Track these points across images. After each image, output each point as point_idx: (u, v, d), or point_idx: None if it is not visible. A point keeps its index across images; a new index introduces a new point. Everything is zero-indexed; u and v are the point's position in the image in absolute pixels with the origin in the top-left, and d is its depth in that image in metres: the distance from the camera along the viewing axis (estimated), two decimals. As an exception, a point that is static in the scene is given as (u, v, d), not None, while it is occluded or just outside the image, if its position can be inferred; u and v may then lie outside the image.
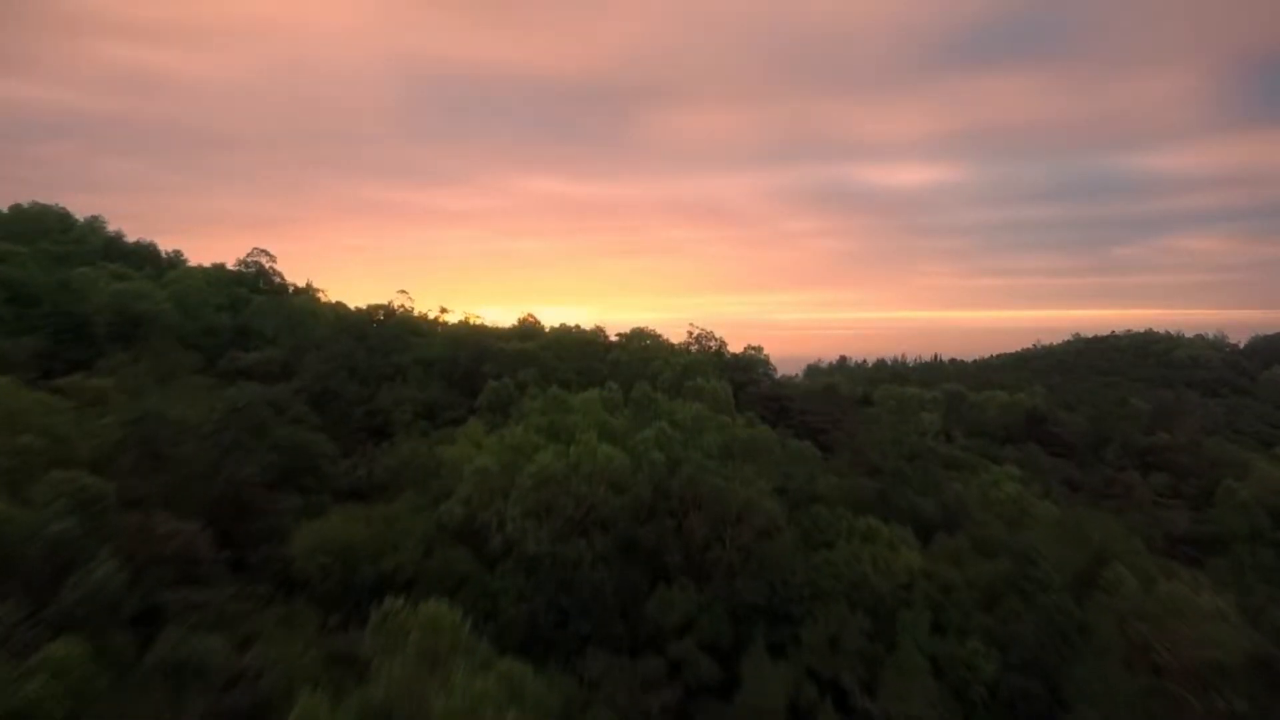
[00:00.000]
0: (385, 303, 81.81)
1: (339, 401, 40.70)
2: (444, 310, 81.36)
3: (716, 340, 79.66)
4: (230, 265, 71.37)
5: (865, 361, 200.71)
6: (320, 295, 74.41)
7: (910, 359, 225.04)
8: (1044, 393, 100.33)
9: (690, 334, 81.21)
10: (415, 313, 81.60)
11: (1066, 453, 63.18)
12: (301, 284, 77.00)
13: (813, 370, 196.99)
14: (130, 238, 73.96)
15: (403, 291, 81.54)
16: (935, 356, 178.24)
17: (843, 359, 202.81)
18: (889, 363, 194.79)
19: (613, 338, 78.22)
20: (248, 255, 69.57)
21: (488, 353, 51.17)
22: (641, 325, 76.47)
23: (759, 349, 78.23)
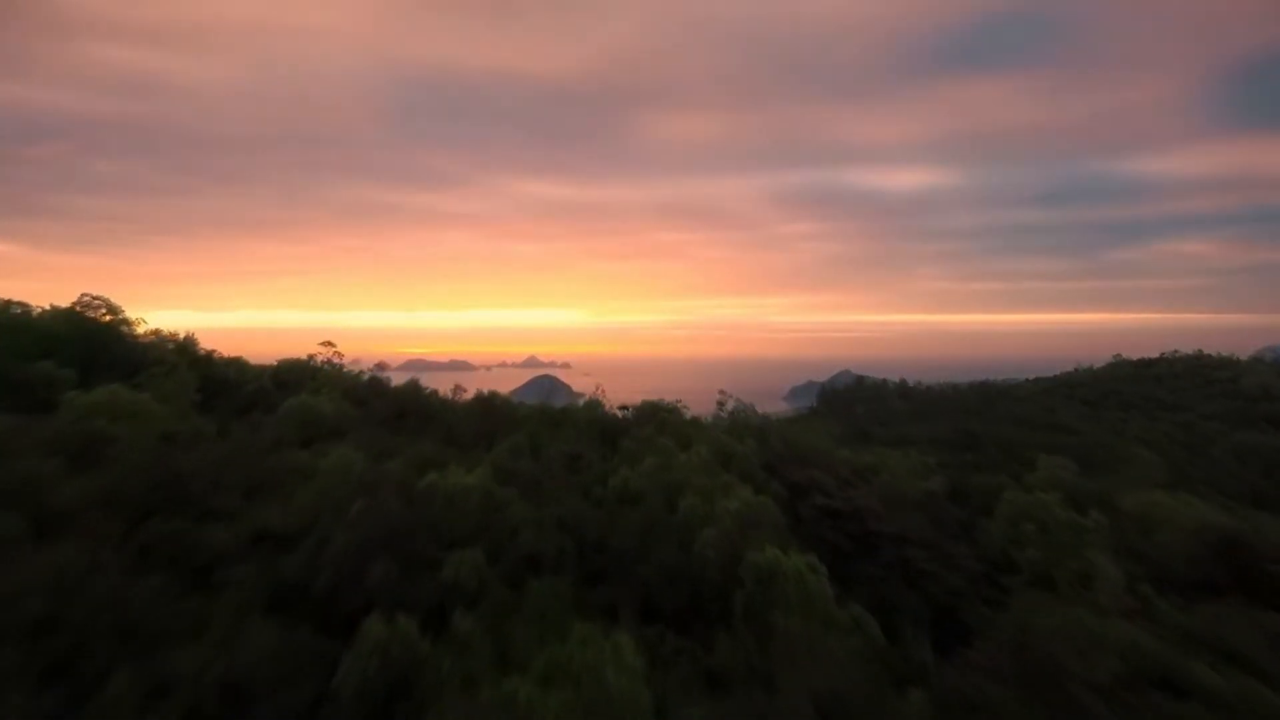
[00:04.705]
0: (307, 357, 57.83)
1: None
2: (381, 366, 57.24)
3: (755, 413, 55.79)
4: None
5: (886, 382, 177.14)
6: (198, 359, 49.80)
7: (937, 378, 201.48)
8: (1158, 460, 76.64)
9: (721, 404, 57.44)
10: (344, 368, 57.70)
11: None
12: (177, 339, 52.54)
13: (829, 396, 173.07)
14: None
15: (328, 344, 57.51)
16: (984, 380, 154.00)
17: (860, 380, 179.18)
18: (911, 384, 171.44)
19: (616, 410, 54.27)
20: (75, 304, 45.09)
21: (401, 511, 26.84)
22: (654, 398, 52.45)
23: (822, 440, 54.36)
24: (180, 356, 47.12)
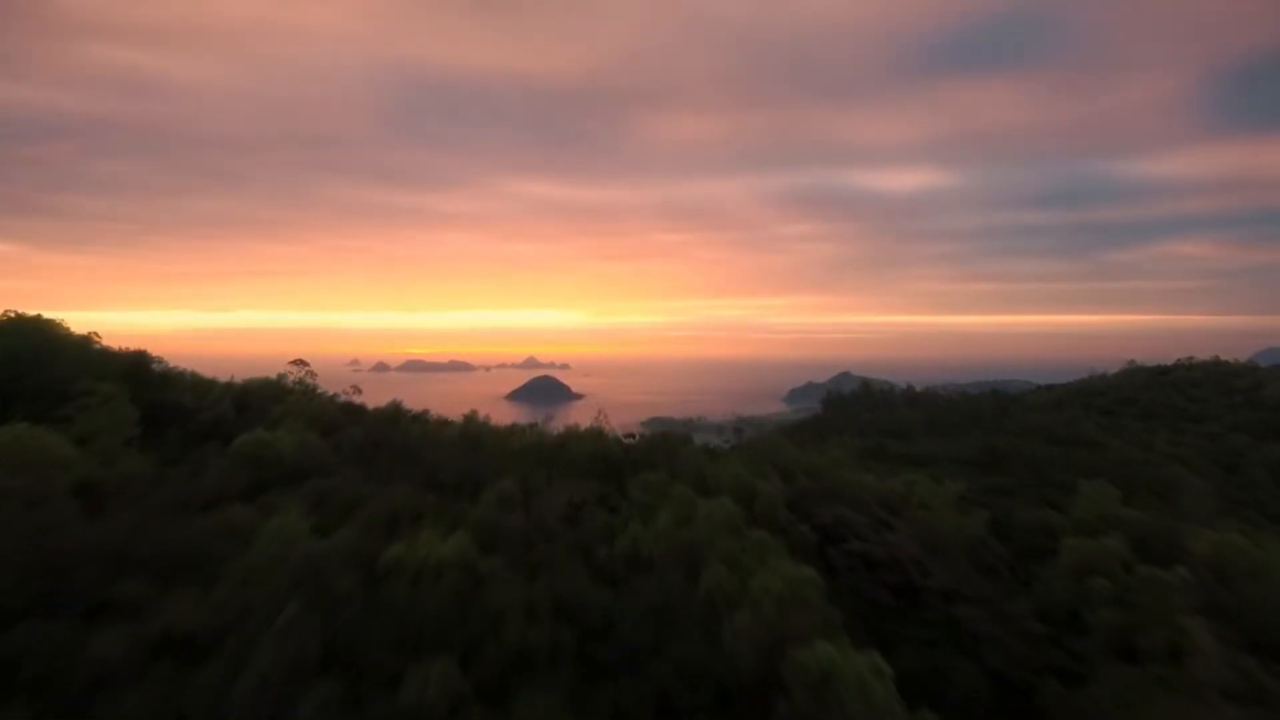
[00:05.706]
0: (278, 376, 51.42)
1: None
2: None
3: (774, 446, 49.48)
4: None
5: (893, 387, 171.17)
6: (147, 381, 43.34)
7: (938, 380, 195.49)
8: (1203, 485, 70.60)
9: (739, 430, 51.04)
10: (317, 388, 51.33)
11: None
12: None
13: (834, 401, 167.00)
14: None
15: (300, 362, 51.20)
16: (993, 385, 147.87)
17: (865, 385, 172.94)
18: (919, 389, 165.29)
19: (621, 435, 47.91)
20: (-2, 323, 38.75)
21: (350, 608, 20.55)
22: (661, 418, 46.14)
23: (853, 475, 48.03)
24: (124, 380, 40.59)
